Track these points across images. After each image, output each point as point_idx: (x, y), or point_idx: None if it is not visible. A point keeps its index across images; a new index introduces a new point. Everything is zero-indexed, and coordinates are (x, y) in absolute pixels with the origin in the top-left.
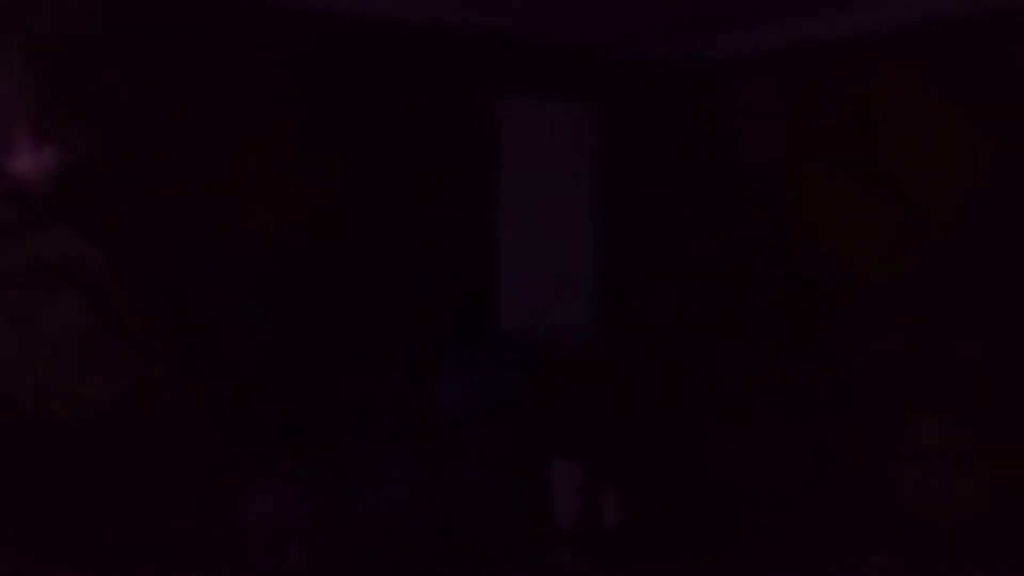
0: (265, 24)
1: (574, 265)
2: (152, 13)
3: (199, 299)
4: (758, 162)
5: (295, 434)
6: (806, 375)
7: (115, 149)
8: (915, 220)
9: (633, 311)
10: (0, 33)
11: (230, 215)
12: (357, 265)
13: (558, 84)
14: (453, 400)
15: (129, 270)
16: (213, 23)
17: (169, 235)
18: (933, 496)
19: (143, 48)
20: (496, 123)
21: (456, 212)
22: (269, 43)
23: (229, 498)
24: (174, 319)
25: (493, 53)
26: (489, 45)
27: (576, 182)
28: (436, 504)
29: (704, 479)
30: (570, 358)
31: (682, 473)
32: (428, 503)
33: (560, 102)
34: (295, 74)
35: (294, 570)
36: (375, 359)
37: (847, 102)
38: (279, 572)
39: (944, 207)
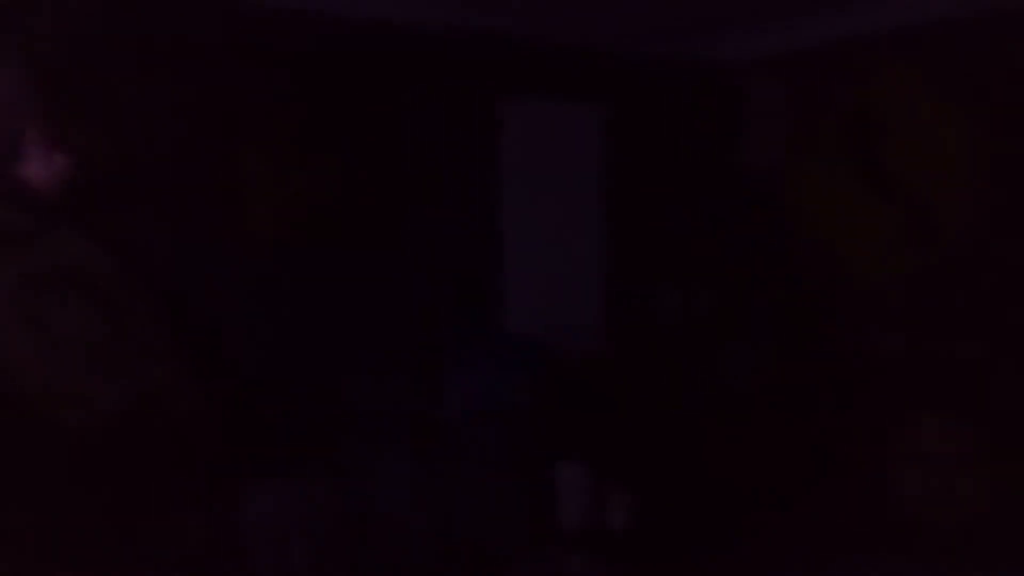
0: (267, 26)
1: (578, 266)
2: (156, 16)
3: (203, 301)
4: (761, 163)
5: (298, 435)
6: (809, 375)
7: (121, 153)
8: (916, 220)
9: (637, 312)
10: (5, 38)
11: (234, 217)
12: (360, 266)
13: (562, 85)
14: (456, 401)
15: (135, 273)
16: (216, 26)
17: (173, 237)
18: (934, 496)
19: (148, 52)
20: (500, 124)
21: (460, 213)
22: (271, 45)
23: (231, 499)
24: (178, 321)
25: (497, 55)
26: (493, 47)
27: (580, 183)
28: (438, 505)
29: (708, 480)
30: (574, 359)
31: (686, 474)
32: (430, 504)
33: (564, 103)
34: (299, 76)
35: (296, 570)
36: (378, 360)
37: (849, 103)
38: (281, 572)
39: (945, 207)
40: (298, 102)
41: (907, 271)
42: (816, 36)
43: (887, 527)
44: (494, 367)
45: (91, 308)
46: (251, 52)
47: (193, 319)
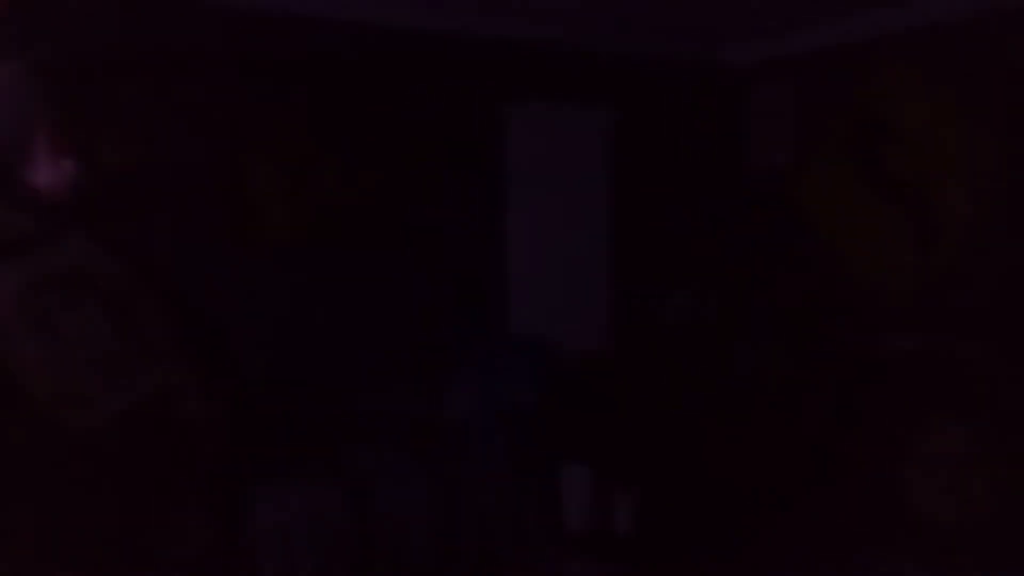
0: (274, 32)
1: (584, 268)
2: (163, 24)
3: (209, 304)
4: (766, 164)
5: (303, 438)
6: (818, 378)
7: (129, 158)
8: (925, 223)
9: (642, 314)
10: (16, 47)
11: (240, 220)
12: (366, 270)
13: (569, 89)
14: (461, 403)
15: (142, 276)
16: (223, 32)
17: (179, 240)
18: (940, 497)
19: (155, 59)
20: (507, 128)
21: (466, 216)
22: (278, 51)
23: (237, 502)
24: (185, 324)
25: (504, 59)
26: (501, 51)
27: (586, 185)
28: (443, 507)
29: (713, 481)
30: (579, 361)
31: (691, 476)
32: (435, 506)
33: (571, 106)
34: (307, 81)
35: (301, 573)
36: (386, 365)
37: (853, 105)
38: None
39: (948, 208)
40: (307, 107)
41: (911, 272)
42: (820, 38)
43: (892, 528)
44: (499, 369)
45: (98, 311)
46: (258, 58)
47: (199, 322)
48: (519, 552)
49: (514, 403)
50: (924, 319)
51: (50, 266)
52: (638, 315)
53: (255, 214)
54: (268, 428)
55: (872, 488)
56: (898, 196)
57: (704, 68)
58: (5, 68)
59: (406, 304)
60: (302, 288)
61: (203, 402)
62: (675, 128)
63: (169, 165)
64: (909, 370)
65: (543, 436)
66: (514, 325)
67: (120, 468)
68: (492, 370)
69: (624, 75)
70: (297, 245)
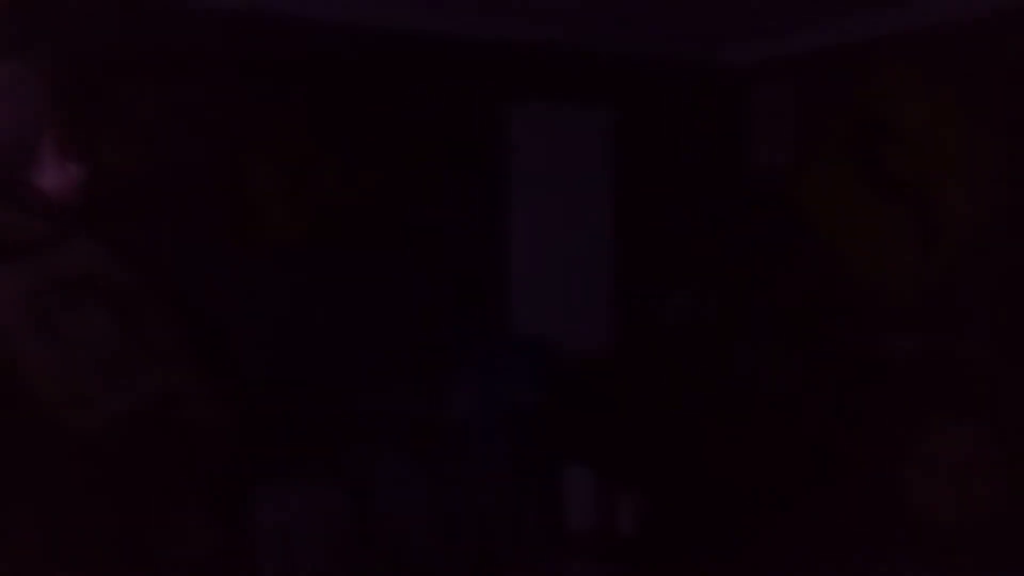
0: (277, 35)
1: (585, 268)
2: (167, 28)
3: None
4: (767, 165)
5: (305, 439)
6: (818, 378)
7: (135, 162)
8: (925, 223)
9: (644, 314)
10: (22, 50)
11: (245, 223)
12: (369, 270)
13: (570, 89)
14: (463, 404)
15: (148, 279)
16: (226, 36)
17: (183, 242)
18: (942, 498)
19: (159, 63)
20: (509, 128)
21: (468, 216)
22: (282, 54)
23: (242, 503)
24: (191, 326)
25: (507, 60)
26: (503, 52)
27: (588, 186)
28: (445, 508)
29: (716, 482)
30: (581, 361)
31: (694, 477)
32: (438, 508)
33: (572, 107)
34: (309, 83)
35: (304, 574)
36: (386, 365)
37: (858, 106)
38: None
39: (954, 210)
40: (307, 107)
41: (912, 272)
42: (820, 38)
43: (892, 528)
44: (499, 369)
45: (105, 314)
46: (258, 58)
47: (202, 323)
48: (519, 552)
49: (514, 403)
50: (924, 319)
51: (57, 269)
52: (638, 315)
53: (255, 214)
54: (268, 428)
55: (872, 488)
56: (898, 196)
57: (704, 68)
58: (9, 70)
59: (406, 304)
60: (302, 288)
61: (206, 403)
62: (675, 128)
63: (169, 165)
64: (909, 370)
65: (543, 436)
66: (516, 325)
67: (121, 469)
68: (492, 370)
69: (624, 75)
70: (297, 245)
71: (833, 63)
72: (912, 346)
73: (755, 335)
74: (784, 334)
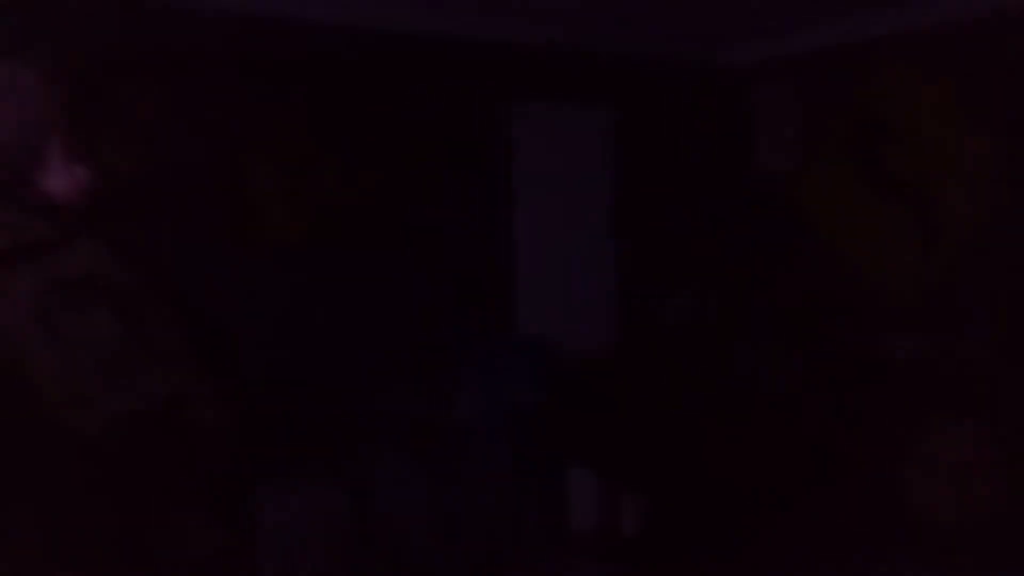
0: (280, 36)
1: (588, 269)
2: (170, 31)
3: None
4: (769, 165)
5: (307, 440)
6: (818, 378)
7: (140, 164)
8: (926, 223)
9: (647, 315)
10: (22, 50)
11: (249, 224)
12: (372, 271)
13: (573, 90)
14: (466, 404)
15: (153, 280)
16: (228, 37)
17: (183, 242)
18: (943, 498)
19: (162, 66)
20: (513, 129)
21: (471, 217)
22: (286, 55)
23: (245, 504)
24: (194, 327)
25: (510, 60)
26: (506, 52)
27: (590, 187)
28: (449, 510)
29: (719, 483)
30: (584, 362)
31: (697, 477)
32: (438, 508)
33: (572, 107)
34: (309, 83)
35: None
36: (387, 365)
37: (858, 106)
38: None
39: (954, 210)
40: (307, 107)
41: (912, 272)
42: (820, 38)
43: (892, 528)
44: (502, 370)
45: (110, 316)
46: (258, 58)
47: (206, 324)
48: (520, 553)
49: (515, 403)
50: (924, 319)
51: (62, 271)
52: (639, 315)
53: (255, 214)
54: (269, 428)
55: (872, 488)
56: (898, 196)
57: (704, 68)
58: (14, 72)
59: (407, 304)
60: (302, 288)
61: (207, 404)
62: (675, 128)
63: (169, 165)
64: (909, 370)
65: (545, 436)
66: (520, 326)
67: (122, 469)
68: (493, 370)
69: (624, 75)
70: (297, 245)
71: (833, 63)
72: (912, 346)
73: (755, 335)
74: (784, 334)
